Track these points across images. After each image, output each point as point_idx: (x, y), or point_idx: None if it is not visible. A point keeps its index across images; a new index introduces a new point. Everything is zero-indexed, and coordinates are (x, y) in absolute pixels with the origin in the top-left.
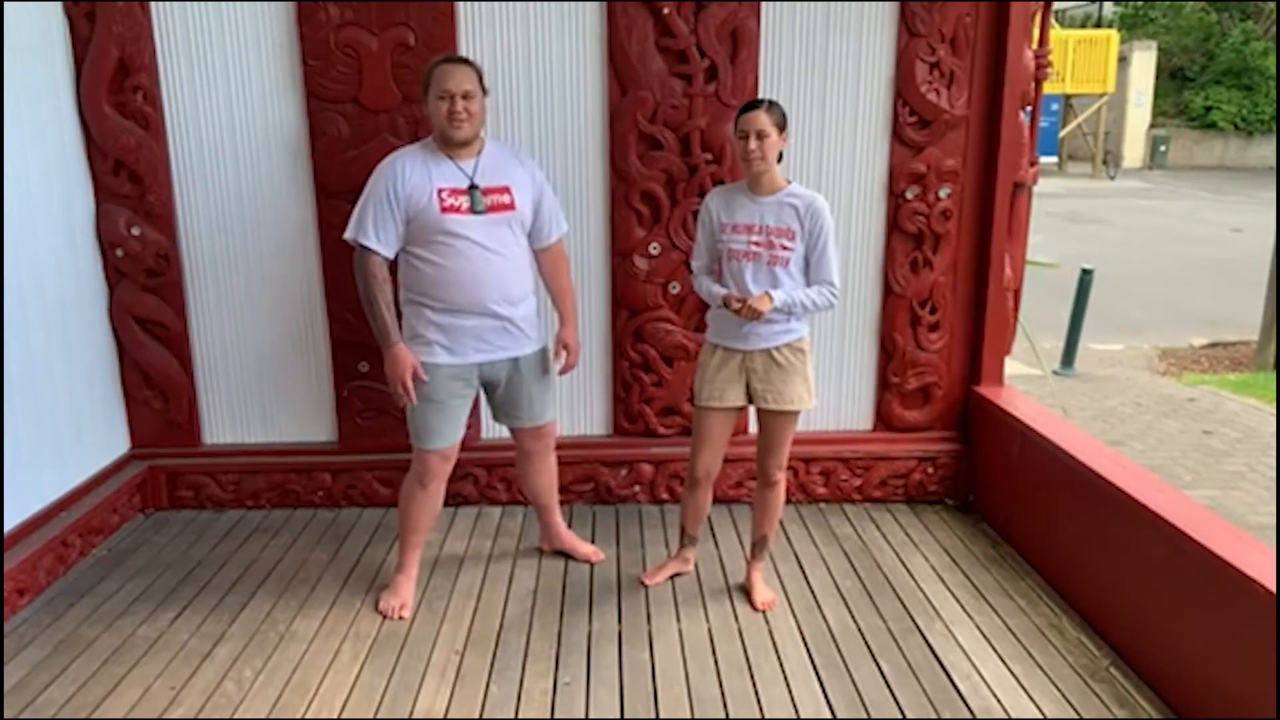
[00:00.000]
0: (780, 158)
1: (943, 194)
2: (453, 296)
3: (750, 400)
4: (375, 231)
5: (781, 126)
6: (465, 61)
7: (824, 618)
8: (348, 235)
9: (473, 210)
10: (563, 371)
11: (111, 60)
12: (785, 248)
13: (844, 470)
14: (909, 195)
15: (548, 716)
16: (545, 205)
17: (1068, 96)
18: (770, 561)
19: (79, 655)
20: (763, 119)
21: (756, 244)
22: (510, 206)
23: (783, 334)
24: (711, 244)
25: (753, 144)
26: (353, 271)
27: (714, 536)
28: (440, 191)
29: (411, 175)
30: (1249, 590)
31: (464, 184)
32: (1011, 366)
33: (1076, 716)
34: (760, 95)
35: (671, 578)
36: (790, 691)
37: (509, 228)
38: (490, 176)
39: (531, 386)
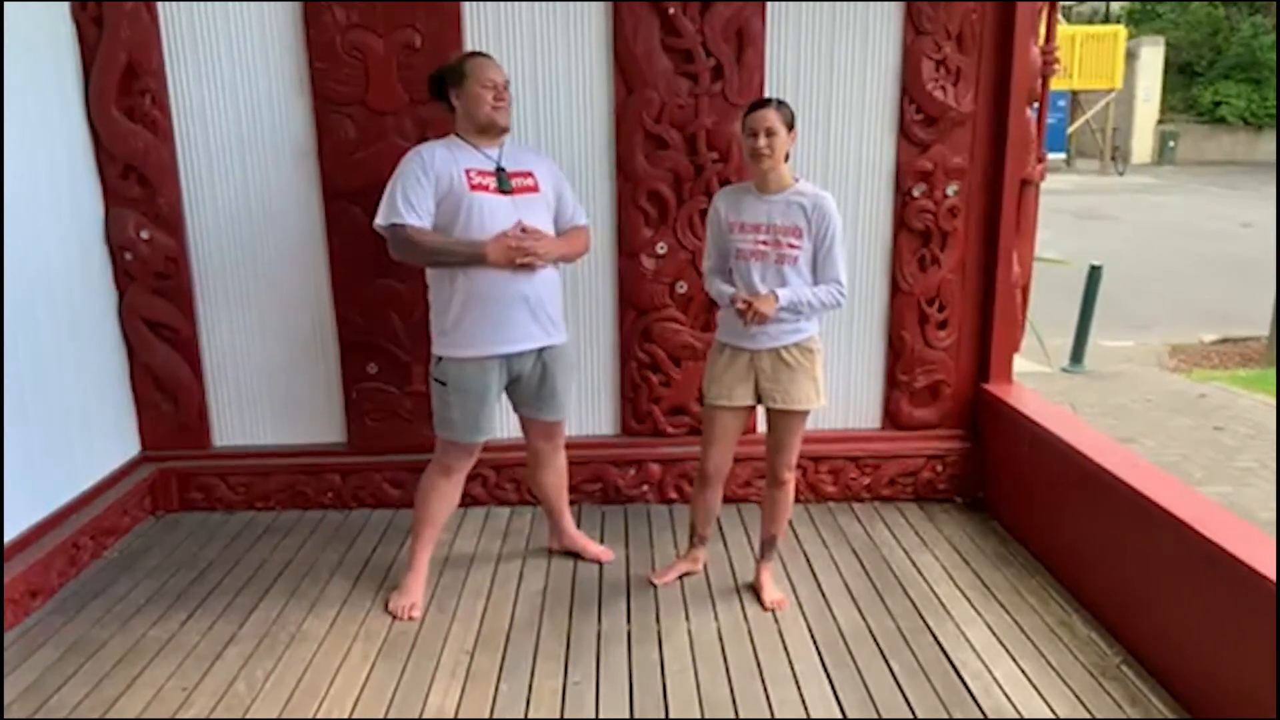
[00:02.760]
0: (787, 157)
1: (950, 191)
2: (483, 280)
3: (759, 400)
4: (405, 208)
5: (790, 125)
6: (490, 56)
7: (834, 617)
8: (378, 223)
9: (500, 189)
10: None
11: (119, 64)
12: (793, 246)
13: (853, 469)
14: (916, 193)
15: (557, 716)
16: (565, 198)
17: (1075, 93)
18: (779, 561)
19: (91, 657)
20: (772, 117)
21: (764, 243)
22: (535, 189)
23: (791, 333)
24: (720, 244)
25: (762, 141)
26: (362, 272)
27: (723, 536)
28: (468, 171)
29: (438, 157)
30: (1261, 587)
31: (490, 167)
32: (1020, 364)
33: (1088, 715)
34: (766, 94)
35: (680, 577)
36: (800, 691)
37: (535, 210)
38: (514, 163)
39: (556, 379)
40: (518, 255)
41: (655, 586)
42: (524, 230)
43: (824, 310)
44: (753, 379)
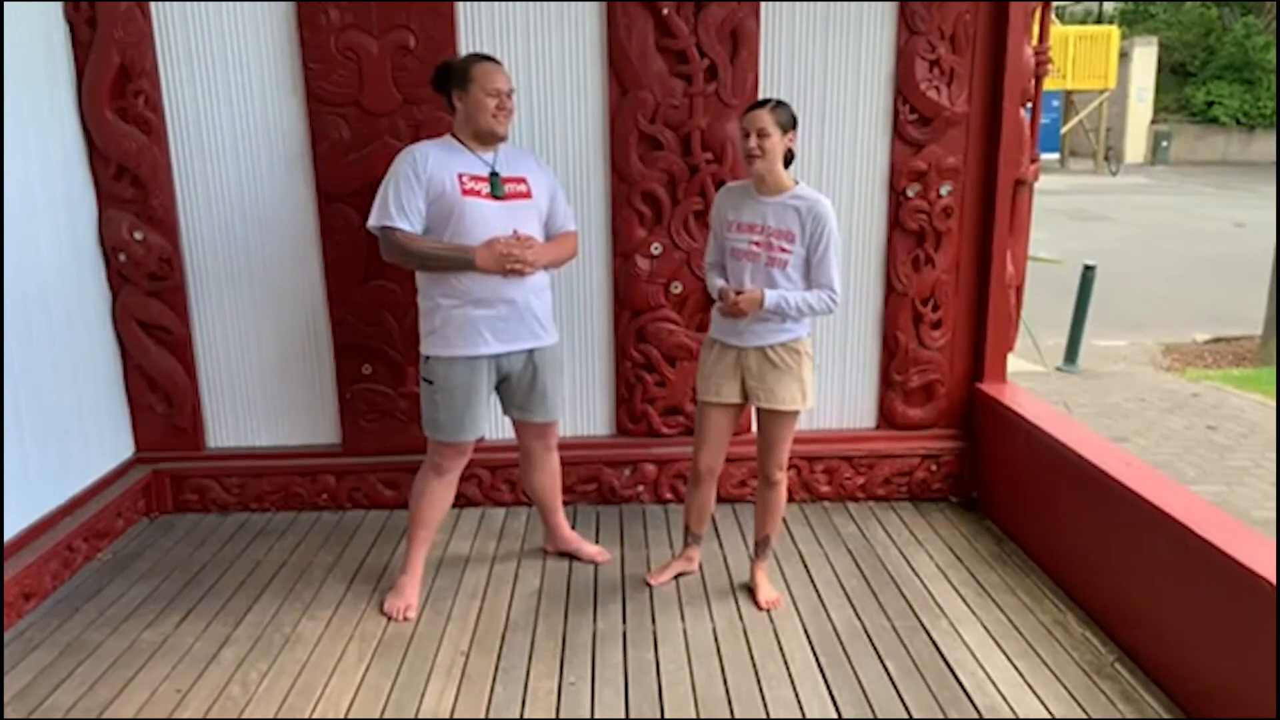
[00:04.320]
0: (790, 160)
1: (944, 191)
2: (471, 283)
3: (746, 398)
4: (397, 211)
5: (787, 127)
6: (499, 61)
7: (829, 617)
8: (371, 224)
9: (493, 195)
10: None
11: (113, 65)
12: (784, 250)
13: (847, 468)
14: (910, 193)
15: (553, 716)
16: (558, 204)
17: (1069, 93)
18: (775, 560)
19: (85, 659)
20: (765, 117)
21: (756, 244)
22: (527, 195)
23: (778, 333)
24: (719, 241)
25: (753, 141)
26: (356, 273)
27: (718, 536)
28: (461, 176)
29: (431, 159)
30: (1254, 586)
31: (484, 171)
32: (1014, 363)
33: (1082, 714)
34: (760, 95)
35: (676, 577)
36: (795, 691)
37: (527, 216)
38: (508, 168)
39: (546, 381)
40: (508, 262)
41: (650, 587)
42: (517, 237)
43: (813, 315)
44: (739, 377)
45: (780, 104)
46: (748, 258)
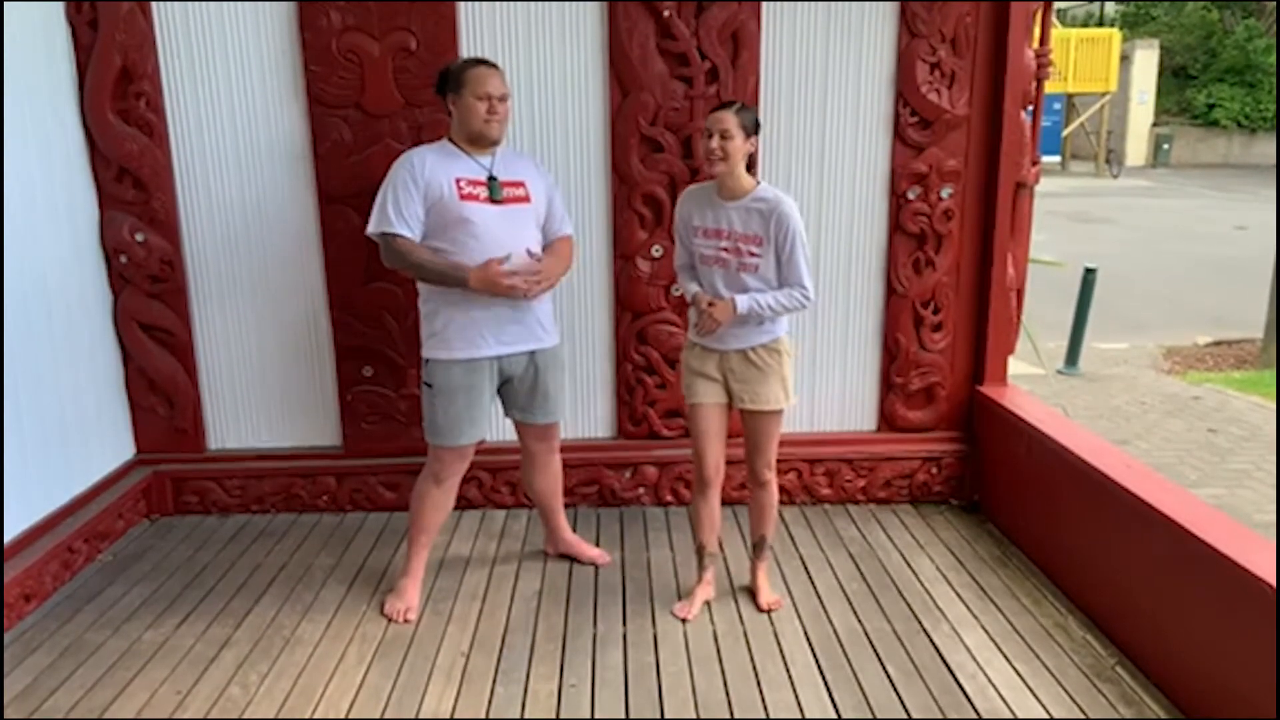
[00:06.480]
0: (753, 165)
1: (945, 194)
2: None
3: (730, 399)
4: (396, 217)
5: (750, 131)
6: (496, 66)
7: (829, 619)
8: (371, 230)
9: (491, 199)
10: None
11: (114, 67)
12: (753, 254)
13: (848, 471)
14: (911, 195)
15: (553, 718)
16: (555, 208)
17: (1070, 95)
18: (775, 563)
19: (85, 660)
20: (729, 119)
21: (725, 250)
22: (526, 199)
23: (757, 334)
24: (686, 245)
25: (715, 142)
26: (357, 275)
27: (718, 537)
28: (459, 180)
29: (429, 164)
30: (1255, 589)
31: (482, 175)
32: (1014, 366)
33: (1083, 716)
34: (762, 97)
35: (679, 583)
36: (795, 693)
37: (525, 220)
38: (506, 171)
39: (548, 382)
40: (503, 291)
41: (651, 588)
42: (529, 254)
43: (787, 313)
44: (722, 379)
45: (745, 107)
46: (719, 264)
